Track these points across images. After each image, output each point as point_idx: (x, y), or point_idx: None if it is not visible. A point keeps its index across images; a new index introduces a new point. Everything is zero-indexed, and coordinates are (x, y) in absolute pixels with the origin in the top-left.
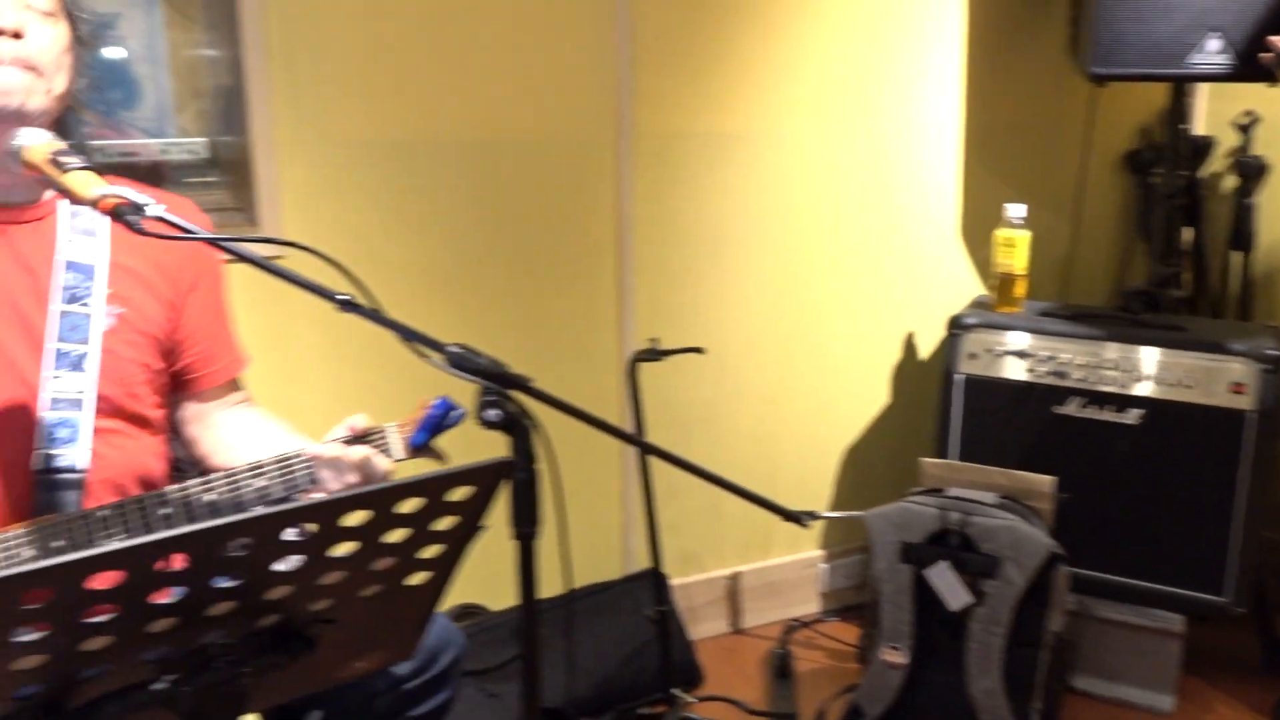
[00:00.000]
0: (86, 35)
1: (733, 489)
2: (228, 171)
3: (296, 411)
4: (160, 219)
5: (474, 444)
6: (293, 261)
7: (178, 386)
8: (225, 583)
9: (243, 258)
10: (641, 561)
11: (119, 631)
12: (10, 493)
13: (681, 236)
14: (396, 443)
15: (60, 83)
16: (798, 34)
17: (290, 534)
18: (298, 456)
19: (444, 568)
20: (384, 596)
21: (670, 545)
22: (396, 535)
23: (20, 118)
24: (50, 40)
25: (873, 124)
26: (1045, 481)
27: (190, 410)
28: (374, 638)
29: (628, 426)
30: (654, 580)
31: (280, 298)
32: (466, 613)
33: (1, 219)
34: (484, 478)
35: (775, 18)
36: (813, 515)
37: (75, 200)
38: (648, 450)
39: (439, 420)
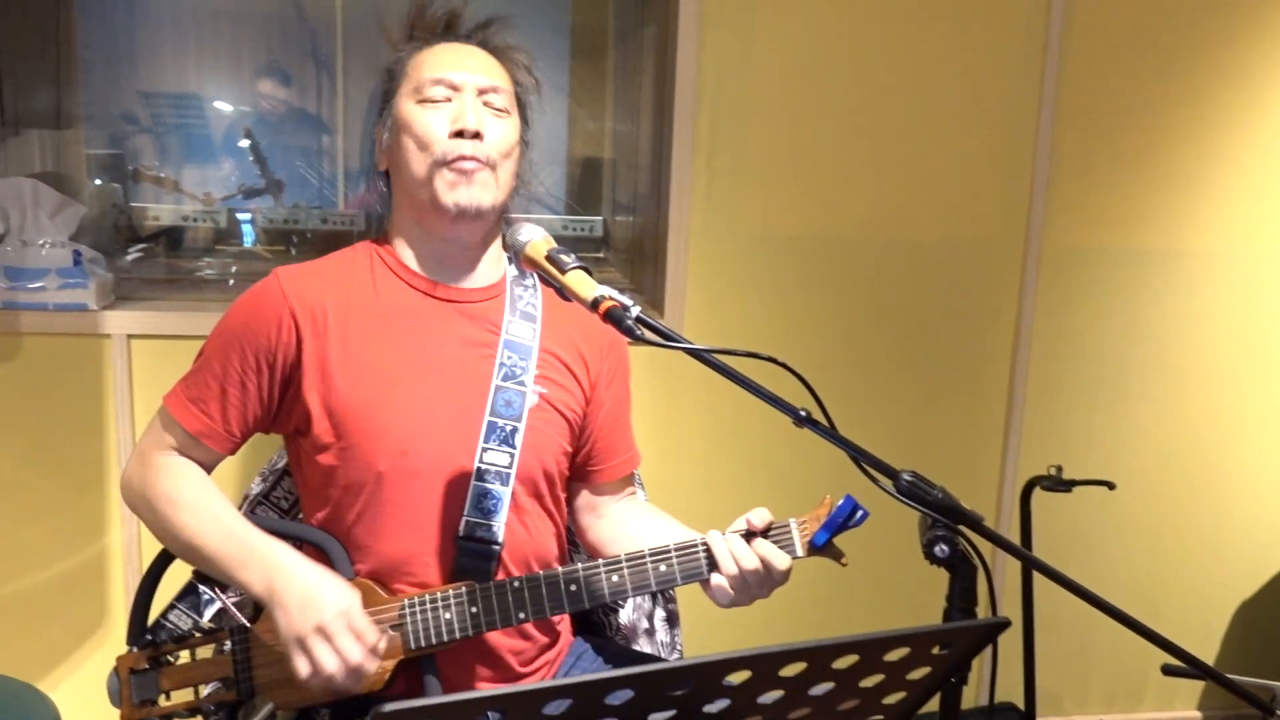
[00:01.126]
0: (528, 137)
1: (1166, 646)
2: (619, 249)
3: (677, 492)
4: (641, 321)
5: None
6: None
7: (577, 475)
8: (714, 707)
9: (715, 367)
10: (1003, 694)
11: None
12: (438, 553)
13: (1083, 355)
14: (798, 540)
15: (507, 176)
16: (1232, 151)
17: (788, 671)
18: (700, 545)
19: (900, 716)
20: None
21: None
22: (872, 680)
23: (478, 214)
24: (503, 135)
25: None
26: None
27: (585, 499)
28: None
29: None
30: None
31: (669, 384)
32: None
33: (458, 298)
34: (975, 637)
35: (1210, 135)
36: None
37: (572, 299)
38: (1072, 589)
39: (843, 521)
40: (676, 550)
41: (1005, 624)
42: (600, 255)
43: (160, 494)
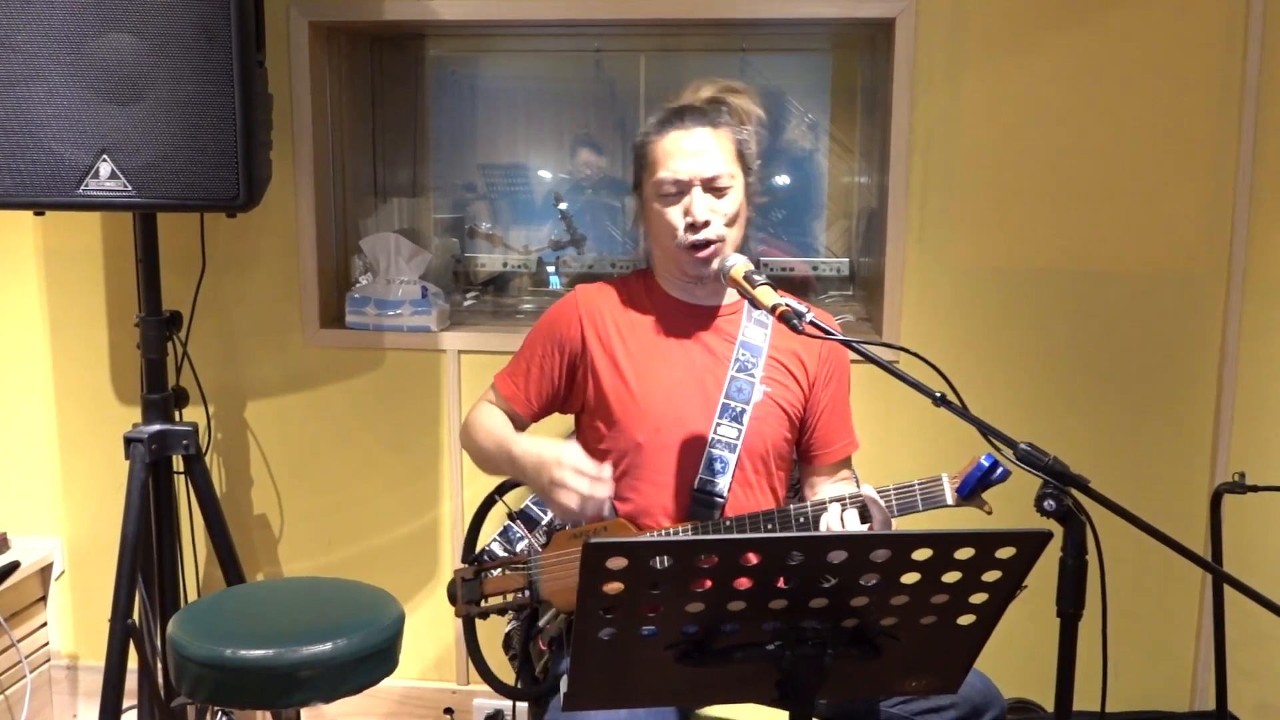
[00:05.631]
0: (757, 182)
1: None
2: (862, 288)
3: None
4: (813, 324)
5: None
6: (904, 366)
7: (802, 458)
8: (824, 583)
9: (866, 356)
10: (1213, 701)
11: (751, 601)
12: (676, 501)
13: None
14: (948, 490)
15: (737, 234)
16: None
17: (877, 556)
18: (853, 497)
19: (988, 615)
20: (939, 628)
21: (1245, 691)
22: (951, 577)
23: (716, 278)
24: (727, 207)
25: None
26: None
27: (808, 479)
28: (927, 663)
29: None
30: None
31: (887, 394)
32: (1021, 706)
33: (704, 314)
34: (1025, 542)
35: None
36: None
37: (758, 306)
38: (1219, 576)
39: (983, 475)
40: (832, 500)
41: (1048, 535)
42: (849, 293)
43: (471, 417)
